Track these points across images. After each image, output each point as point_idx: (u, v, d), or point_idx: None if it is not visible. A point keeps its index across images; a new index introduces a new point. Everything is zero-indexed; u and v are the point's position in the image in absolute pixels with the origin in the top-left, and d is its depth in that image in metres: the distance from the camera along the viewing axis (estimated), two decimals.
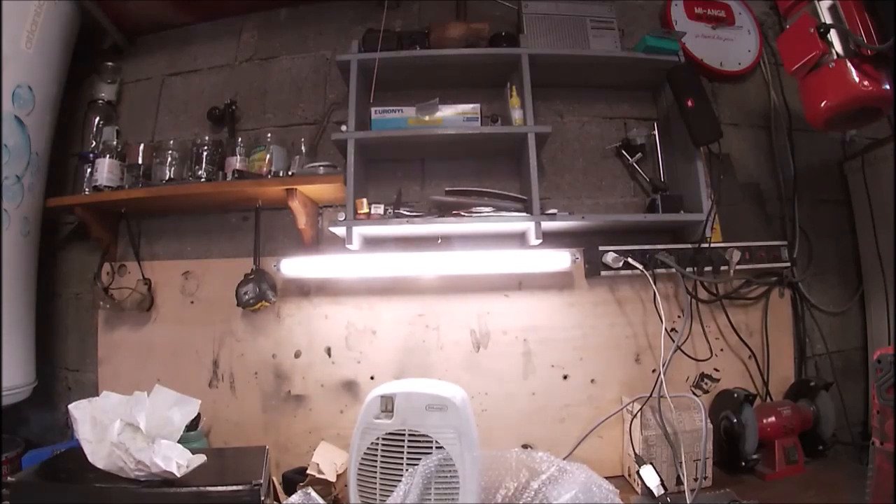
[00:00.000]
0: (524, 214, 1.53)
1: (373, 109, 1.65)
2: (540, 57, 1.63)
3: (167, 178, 1.66)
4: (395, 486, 1.09)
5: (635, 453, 1.44)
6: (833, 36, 1.31)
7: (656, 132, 1.78)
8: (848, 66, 1.28)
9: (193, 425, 1.41)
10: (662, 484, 1.34)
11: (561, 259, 1.55)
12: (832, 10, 1.33)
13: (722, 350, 1.67)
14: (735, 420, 1.45)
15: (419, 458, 1.12)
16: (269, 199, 1.65)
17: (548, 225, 1.54)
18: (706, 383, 1.57)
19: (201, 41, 1.94)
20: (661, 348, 1.54)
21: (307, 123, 1.82)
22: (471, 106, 1.65)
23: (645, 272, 1.56)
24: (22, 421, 1.67)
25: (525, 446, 1.58)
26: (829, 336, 1.78)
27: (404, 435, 1.14)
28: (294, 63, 1.89)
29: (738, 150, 1.87)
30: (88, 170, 1.67)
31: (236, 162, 1.65)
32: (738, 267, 1.61)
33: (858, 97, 1.29)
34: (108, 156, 1.64)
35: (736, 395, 1.48)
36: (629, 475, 1.50)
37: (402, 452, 1.13)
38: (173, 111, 1.89)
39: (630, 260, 1.57)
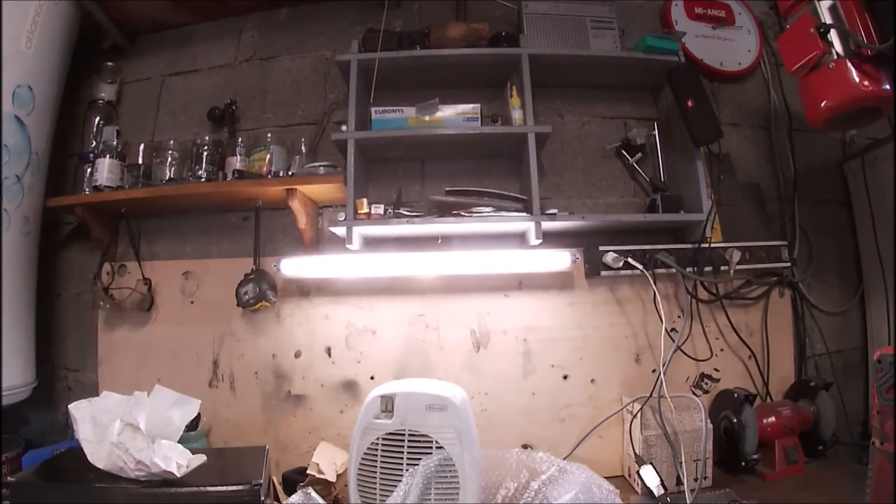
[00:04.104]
0: (524, 214, 1.53)
1: (373, 109, 1.65)
2: (540, 57, 1.63)
3: (167, 178, 1.66)
4: (395, 486, 1.10)
5: (635, 453, 1.44)
6: (833, 36, 1.31)
7: (656, 132, 1.78)
8: (848, 66, 1.28)
9: (193, 425, 1.41)
10: (662, 484, 1.34)
11: (561, 259, 1.55)
12: (832, 10, 1.33)
13: (722, 350, 1.67)
14: (735, 420, 1.45)
15: (419, 458, 1.12)
16: (269, 199, 1.66)
17: (548, 225, 1.54)
18: (706, 383, 1.57)
19: (201, 41, 1.94)
20: (661, 348, 1.54)
21: (307, 123, 1.82)
22: (471, 106, 1.65)
23: (645, 272, 1.56)
24: (22, 421, 1.67)
25: (525, 446, 1.58)
26: (829, 336, 1.78)
27: (404, 435, 1.14)
28: (294, 63, 1.89)
29: (738, 150, 1.87)
30: (88, 170, 1.67)
31: (236, 162, 1.65)
32: (738, 267, 1.61)
33: (858, 97, 1.29)
34: (108, 156, 1.64)
35: (736, 395, 1.48)
36: (629, 475, 1.50)
37: (403, 452, 1.13)
38: (173, 111, 1.89)
39: (630, 260, 1.57)
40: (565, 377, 1.64)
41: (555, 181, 1.79)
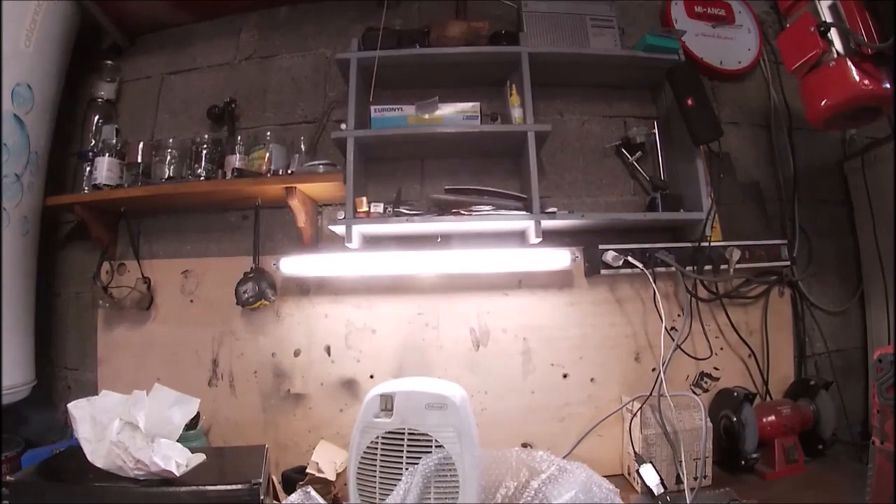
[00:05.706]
0: (524, 213, 1.53)
1: (372, 108, 1.65)
2: (540, 55, 1.63)
3: (167, 176, 1.66)
4: (395, 485, 1.09)
5: (635, 452, 1.44)
6: (833, 35, 1.31)
7: (656, 131, 1.78)
8: (848, 65, 1.28)
9: (193, 424, 1.41)
10: (662, 483, 1.34)
11: (561, 258, 1.55)
12: (832, 8, 1.32)
13: (722, 349, 1.67)
14: (735, 419, 1.45)
15: (419, 457, 1.12)
16: (268, 197, 1.65)
17: (548, 223, 1.54)
18: (706, 382, 1.57)
19: (201, 40, 1.94)
20: (660, 347, 1.54)
21: (307, 122, 1.82)
22: (470, 104, 1.65)
23: (645, 271, 1.56)
24: (21, 420, 1.67)
25: (525, 445, 1.58)
26: (828, 335, 1.78)
27: (404, 434, 1.14)
28: (294, 62, 1.89)
29: (737, 149, 1.86)
30: (88, 168, 1.67)
31: (236, 160, 1.64)
32: (737, 266, 1.60)
33: (859, 96, 1.29)
34: (107, 154, 1.64)
35: (736, 393, 1.48)
36: (629, 474, 1.50)
37: (402, 451, 1.13)
38: (173, 110, 1.88)
39: (630, 258, 1.57)
40: (565, 376, 1.64)
41: (555, 180, 1.78)
